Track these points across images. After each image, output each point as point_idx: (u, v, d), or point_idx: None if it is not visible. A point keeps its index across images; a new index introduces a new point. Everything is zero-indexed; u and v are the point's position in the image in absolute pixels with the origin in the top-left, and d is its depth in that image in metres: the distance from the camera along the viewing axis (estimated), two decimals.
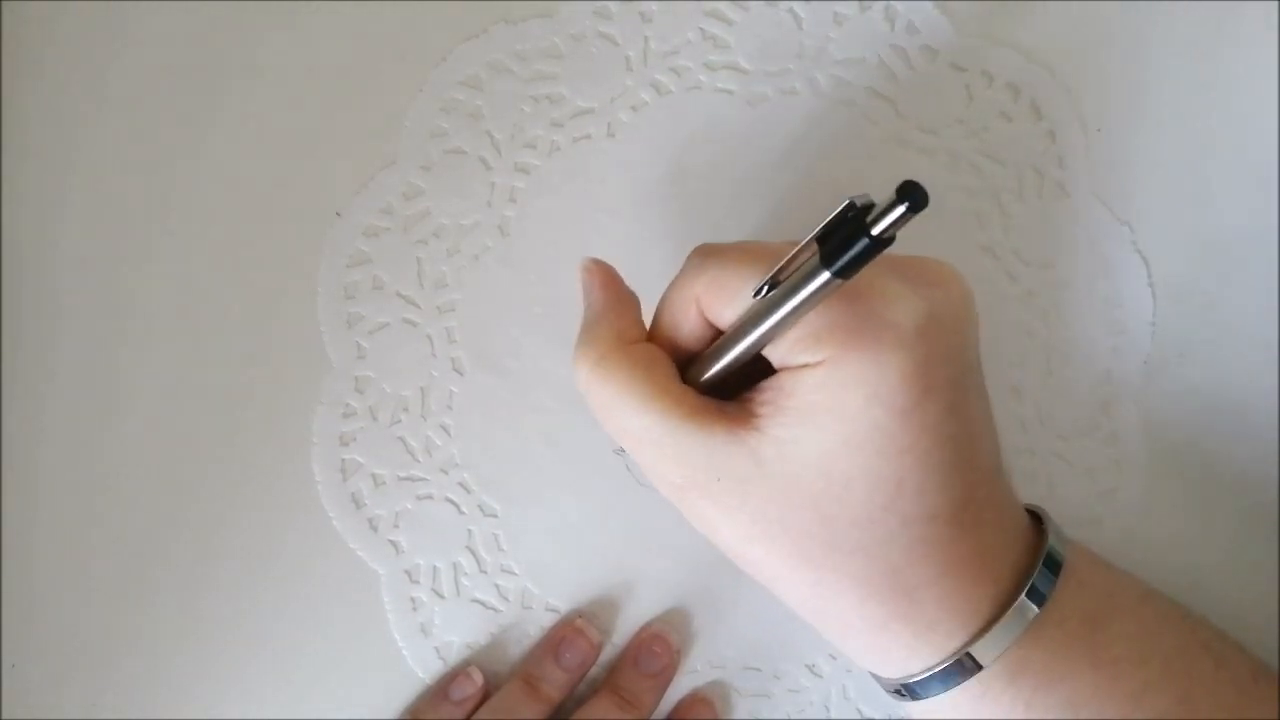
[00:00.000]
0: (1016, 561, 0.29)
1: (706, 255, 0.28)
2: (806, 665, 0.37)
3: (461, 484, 0.36)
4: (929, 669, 0.28)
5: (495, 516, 0.37)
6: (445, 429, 0.36)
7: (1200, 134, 0.36)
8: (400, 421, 0.36)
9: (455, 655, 0.37)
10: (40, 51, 0.35)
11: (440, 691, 0.36)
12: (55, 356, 0.35)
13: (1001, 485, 0.29)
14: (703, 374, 0.28)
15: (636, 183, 0.36)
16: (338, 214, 0.36)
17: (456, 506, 0.37)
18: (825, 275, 0.23)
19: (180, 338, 0.36)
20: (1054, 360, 0.36)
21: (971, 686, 0.28)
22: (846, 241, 0.22)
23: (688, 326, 0.28)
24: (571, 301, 0.36)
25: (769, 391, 0.27)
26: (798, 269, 0.24)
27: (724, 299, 0.27)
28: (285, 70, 0.35)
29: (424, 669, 0.37)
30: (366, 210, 0.36)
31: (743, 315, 0.26)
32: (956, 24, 0.35)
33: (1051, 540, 0.30)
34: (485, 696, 0.36)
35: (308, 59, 0.35)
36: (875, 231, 0.22)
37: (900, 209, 0.21)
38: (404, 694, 0.37)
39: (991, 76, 0.36)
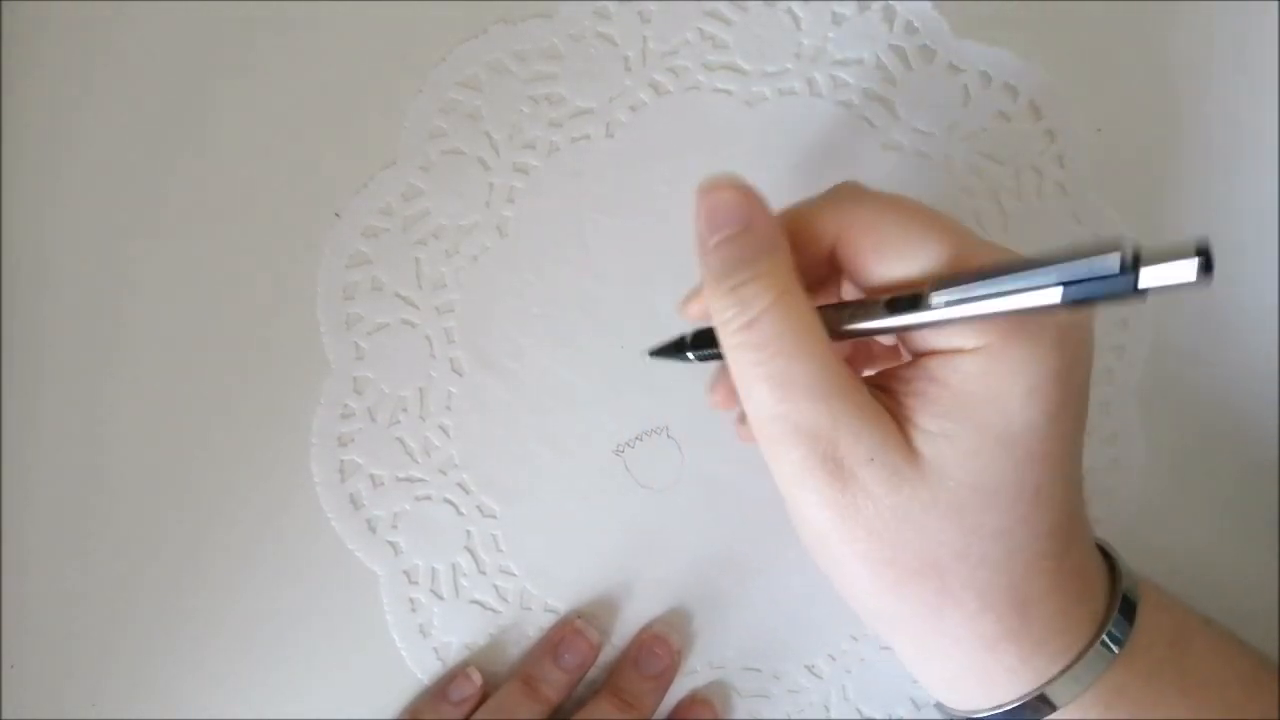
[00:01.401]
0: (1103, 582, 0.28)
1: (861, 194, 0.26)
2: (806, 666, 0.37)
3: (460, 485, 0.36)
4: (1023, 696, 0.27)
5: (494, 517, 0.37)
6: (444, 429, 0.36)
7: (1200, 134, 0.36)
8: (399, 422, 0.36)
9: (454, 656, 0.37)
10: (39, 51, 0.35)
11: (439, 692, 0.36)
12: (53, 357, 0.35)
13: (1084, 505, 0.28)
14: (834, 326, 0.25)
15: (635, 183, 0.36)
16: (337, 214, 0.36)
17: (455, 507, 0.36)
18: (1057, 301, 0.21)
19: (179, 338, 0.36)
20: None
21: (1064, 715, 0.27)
22: (1106, 283, 0.20)
23: (808, 255, 0.26)
24: (571, 301, 0.36)
25: (917, 381, 0.25)
26: (1020, 284, 0.22)
27: (871, 249, 0.25)
28: (285, 70, 0.35)
29: (423, 670, 0.37)
30: (366, 210, 0.36)
31: (909, 291, 0.24)
32: (955, 24, 0.35)
33: (1125, 565, 0.29)
34: (484, 697, 0.36)
35: (307, 59, 0.35)
36: (1142, 285, 0.20)
37: (1186, 272, 0.19)
38: (403, 695, 0.37)
39: (990, 76, 0.36)
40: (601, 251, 0.36)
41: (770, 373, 0.25)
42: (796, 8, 0.35)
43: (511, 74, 0.36)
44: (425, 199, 0.36)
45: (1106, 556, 0.30)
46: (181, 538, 0.36)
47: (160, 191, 0.35)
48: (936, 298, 0.23)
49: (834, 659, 0.37)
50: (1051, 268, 0.21)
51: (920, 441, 0.25)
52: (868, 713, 0.37)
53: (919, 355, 0.25)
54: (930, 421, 0.24)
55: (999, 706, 0.27)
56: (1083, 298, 0.21)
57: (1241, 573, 0.36)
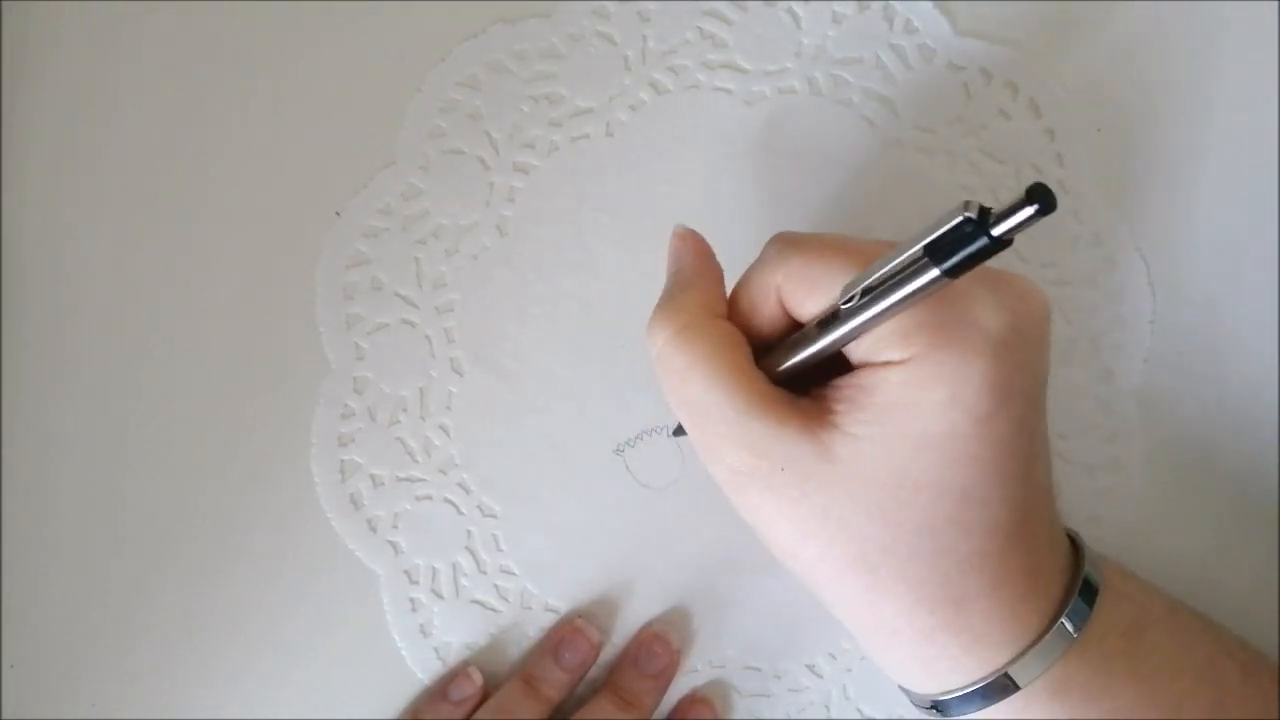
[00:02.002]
0: (1061, 580, 0.29)
1: (788, 245, 0.28)
2: (807, 665, 0.37)
3: (460, 484, 0.36)
4: (971, 684, 0.28)
5: (494, 517, 0.37)
6: (444, 429, 0.36)
7: (1200, 133, 0.36)
8: (399, 422, 0.36)
9: (454, 656, 0.37)
10: (40, 52, 0.35)
11: (439, 692, 0.36)
12: (52, 357, 0.35)
13: (1052, 505, 0.29)
14: (780, 364, 0.27)
15: (635, 182, 0.36)
16: (337, 214, 0.36)
17: (455, 507, 0.36)
18: (935, 273, 0.22)
19: (179, 338, 0.36)
20: (1054, 358, 0.36)
21: (1014, 703, 0.28)
22: (964, 240, 0.22)
23: (765, 314, 0.28)
24: (570, 301, 0.36)
25: (848, 389, 0.26)
26: (898, 265, 0.24)
27: (806, 290, 0.27)
28: (284, 70, 0.35)
29: (423, 670, 0.37)
30: (365, 210, 0.36)
31: (829, 309, 0.26)
32: (955, 23, 0.35)
33: (1088, 562, 0.29)
34: (484, 697, 0.36)
35: (307, 59, 0.35)
36: (997, 232, 0.21)
37: (1029, 211, 0.20)
38: (403, 695, 0.37)
39: (990, 75, 0.36)
40: (601, 251, 0.36)
41: (680, 400, 0.28)
42: (796, 7, 0.35)
43: (511, 73, 0.36)
44: (425, 199, 0.36)
45: (1074, 543, 0.31)
46: (181, 538, 0.36)
47: (159, 191, 0.35)
48: (843, 306, 0.25)
49: (835, 658, 0.37)
50: (917, 242, 0.23)
51: (841, 444, 0.26)
52: (868, 712, 0.37)
53: (858, 366, 0.27)
54: (854, 426, 0.26)
55: (949, 692, 0.28)
56: (954, 262, 0.22)
57: (1241, 573, 0.36)
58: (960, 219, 0.21)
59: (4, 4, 0.35)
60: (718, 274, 0.30)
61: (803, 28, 0.36)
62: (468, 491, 0.36)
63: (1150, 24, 0.36)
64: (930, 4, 0.35)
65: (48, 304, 0.35)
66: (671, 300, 0.28)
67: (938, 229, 0.22)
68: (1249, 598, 0.36)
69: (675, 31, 0.36)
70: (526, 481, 0.36)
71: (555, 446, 0.36)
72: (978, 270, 0.26)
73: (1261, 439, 0.36)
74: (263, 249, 0.36)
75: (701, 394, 0.27)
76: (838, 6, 0.35)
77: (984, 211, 0.21)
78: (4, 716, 0.35)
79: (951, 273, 0.22)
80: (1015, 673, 0.28)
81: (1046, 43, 0.36)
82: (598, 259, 0.36)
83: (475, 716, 0.35)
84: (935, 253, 0.22)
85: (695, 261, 0.29)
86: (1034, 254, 0.36)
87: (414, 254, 0.36)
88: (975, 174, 0.36)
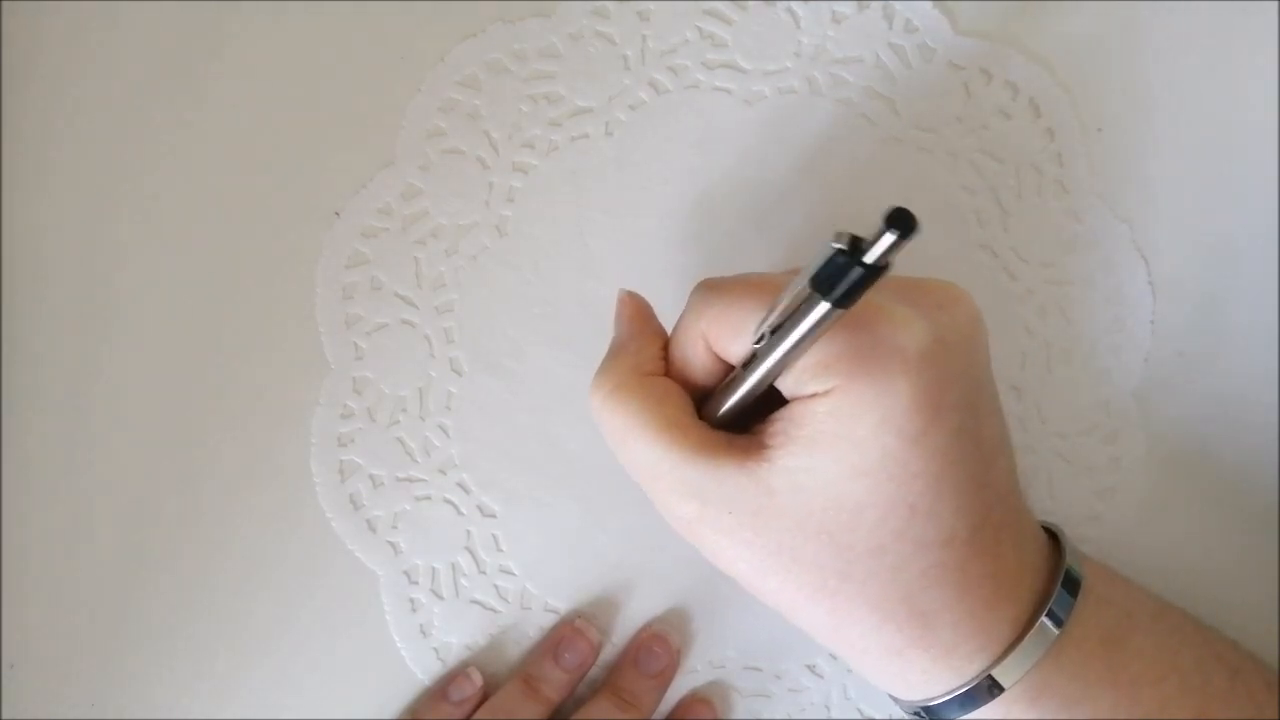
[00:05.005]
0: (1034, 582, 0.29)
1: (709, 290, 0.28)
2: (807, 665, 0.37)
3: (460, 484, 0.36)
4: (948, 692, 0.28)
5: (494, 517, 0.37)
6: (444, 429, 0.36)
7: (1200, 132, 0.36)
8: (398, 422, 0.36)
9: (454, 656, 0.37)
10: (38, 51, 0.35)
11: (439, 692, 0.36)
12: (52, 358, 0.35)
13: (1017, 505, 0.29)
14: (718, 409, 0.28)
15: (634, 182, 0.36)
16: (336, 214, 0.36)
17: (455, 507, 0.36)
18: (825, 306, 0.23)
19: (178, 339, 0.36)
20: (1053, 358, 0.36)
21: (993, 708, 0.28)
22: (841, 271, 0.22)
23: (698, 362, 0.28)
24: (570, 301, 0.36)
25: (780, 422, 0.26)
26: (792, 302, 0.24)
27: (729, 334, 0.27)
28: (283, 70, 0.35)
29: (423, 670, 0.37)
30: (365, 210, 0.36)
31: (750, 351, 0.26)
32: (954, 22, 0.35)
33: (1068, 559, 0.29)
34: (484, 697, 0.36)
35: (306, 59, 0.35)
36: (868, 260, 0.22)
37: (889, 238, 0.21)
38: (403, 695, 0.37)
39: (990, 74, 0.36)
40: (601, 251, 0.36)
41: (624, 460, 0.28)
42: (796, 6, 0.35)
43: (510, 73, 0.36)
44: (424, 199, 0.36)
45: (1056, 539, 0.31)
46: (181, 538, 0.36)
47: (159, 192, 0.35)
48: (755, 346, 0.26)
49: (835, 658, 0.37)
50: (803, 275, 0.23)
51: (777, 477, 0.26)
52: (868, 712, 0.37)
53: (790, 399, 0.27)
54: (788, 458, 0.26)
55: (929, 699, 0.29)
56: (838, 294, 0.22)
57: (1241, 573, 0.36)
58: (832, 252, 0.22)
59: (4, 4, 0.35)
60: (654, 333, 0.30)
61: (802, 27, 0.35)
62: (467, 491, 0.36)
63: (1150, 24, 0.36)
64: (930, 3, 0.35)
65: (46, 306, 0.35)
66: (604, 365, 0.29)
67: (816, 263, 0.23)
68: (1249, 598, 0.36)
69: (675, 31, 0.35)
70: (526, 481, 0.36)
71: (554, 447, 0.36)
72: (897, 282, 0.26)
73: (1261, 439, 0.36)
74: (263, 249, 0.36)
75: (640, 451, 0.27)
76: (837, 6, 0.35)
77: (855, 241, 0.22)
78: (4, 716, 0.36)
79: (840, 303, 0.23)
80: (998, 674, 0.28)
81: (1046, 42, 0.36)
82: (598, 259, 0.36)
83: (475, 717, 0.35)
84: (821, 285, 0.23)
85: (629, 324, 0.30)
86: (1033, 254, 0.36)
87: (413, 254, 0.36)
88: (975, 173, 0.36)
